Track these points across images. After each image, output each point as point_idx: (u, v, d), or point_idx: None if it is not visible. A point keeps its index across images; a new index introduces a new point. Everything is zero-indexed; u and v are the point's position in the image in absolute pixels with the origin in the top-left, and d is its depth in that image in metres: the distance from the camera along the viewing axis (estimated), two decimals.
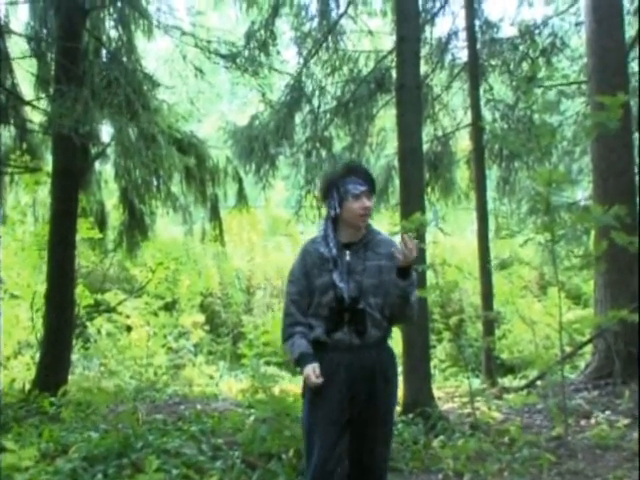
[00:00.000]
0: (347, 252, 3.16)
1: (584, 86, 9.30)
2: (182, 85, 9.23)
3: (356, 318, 3.10)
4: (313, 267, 3.15)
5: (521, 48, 9.34)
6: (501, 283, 11.11)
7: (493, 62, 9.44)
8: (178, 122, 7.92)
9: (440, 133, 9.80)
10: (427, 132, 9.60)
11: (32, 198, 8.53)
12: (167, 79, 8.87)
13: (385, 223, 10.46)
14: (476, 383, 8.71)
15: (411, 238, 2.99)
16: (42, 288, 7.42)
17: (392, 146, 9.39)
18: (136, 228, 8.06)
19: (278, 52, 8.84)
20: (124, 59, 7.30)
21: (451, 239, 12.49)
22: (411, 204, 6.17)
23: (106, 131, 8.23)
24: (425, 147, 9.03)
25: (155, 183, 7.92)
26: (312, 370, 3.01)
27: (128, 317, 9.93)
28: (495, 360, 8.98)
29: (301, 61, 9.11)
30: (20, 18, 8.48)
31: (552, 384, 6.36)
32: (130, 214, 8.01)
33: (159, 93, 7.74)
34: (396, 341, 9.96)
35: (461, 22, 9.25)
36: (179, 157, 7.64)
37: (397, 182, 8.61)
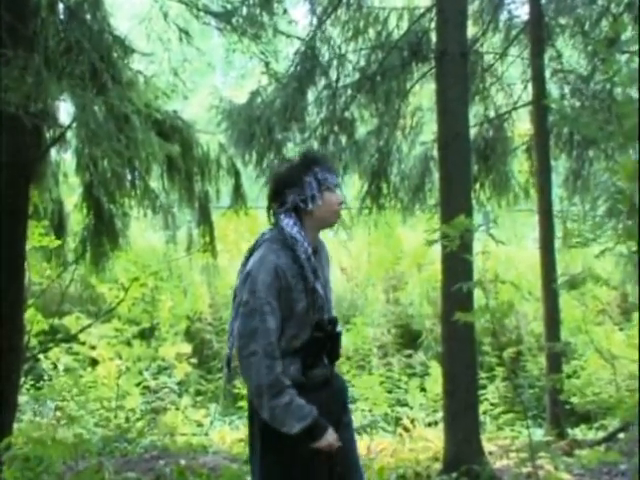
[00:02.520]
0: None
1: None
2: (163, 52, 9.21)
3: (335, 345, 3.24)
4: (289, 290, 3.14)
5: (599, 1, 9.27)
6: (570, 306, 11.02)
7: (562, 21, 9.36)
8: (158, 99, 7.89)
9: (492, 114, 9.75)
10: (476, 112, 9.55)
11: None
12: (144, 44, 8.86)
13: (420, 229, 10.42)
14: (539, 434, 8.66)
15: None
16: None
17: (430, 130, 9.34)
18: (104, 234, 8.04)
19: (285, 10, 8.79)
20: (87, 16, 7.28)
21: (506, 249, 12.41)
22: (454, 204, 6.17)
23: (65, 110, 8.23)
24: (473, 132, 8.96)
25: (129, 177, 7.90)
26: (336, 438, 3.11)
27: (93, 348, 9.91)
28: (563, 405, 8.89)
29: (314, 22, 9.10)
30: None
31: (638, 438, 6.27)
32: (96, 216, 7.99)
33: (133, 62, 7.71)
34: (435, 379, 10.05)
35: None
36: (159, 144, 7.59)
37: (436, 176, 8.59)
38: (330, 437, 3.08)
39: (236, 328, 3.13)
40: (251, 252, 3.29)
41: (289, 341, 3.14)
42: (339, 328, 3.22)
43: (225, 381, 3.51)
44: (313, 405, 3.06)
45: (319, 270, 3.22)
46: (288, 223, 3.19)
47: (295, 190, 3.21)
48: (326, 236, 13.20)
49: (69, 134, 7.70)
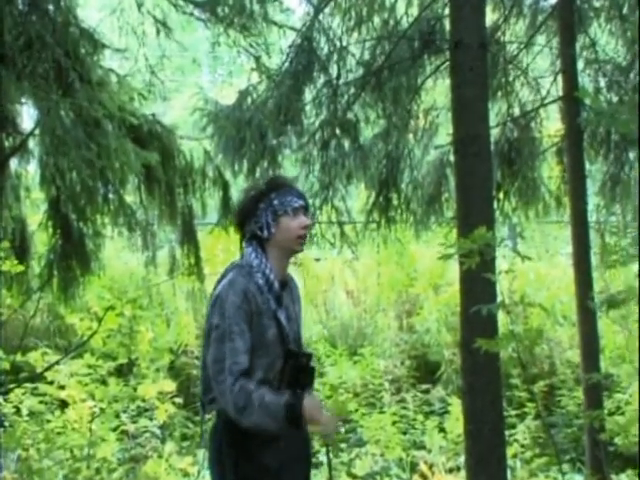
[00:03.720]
0: (282, 293, 3.55)
1: None
2: (139, 47, 9.23)
3: (308, 378, 3.50)
4: (259, 314, 3.42)
5: None
6: (611, 331, 10.99)
7: (597, 3, 9.37)
8: (134, 101, 7.91)
9: (517, 111, 9.72)
10: (498, 111, 9.55)
11: None
12: (116, 38, 8.87)
13: (435, 244, 10.35)
14: None
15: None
16: None
17: (446, 132, 9.30)
18: (73, 256, 8.04)
19: None
20: (50, 7, 7.29)
21: (534, 266, 12.41)
22: (474, 216, 6.18)
23: (27, 114, 8.23)
24: (495, 133, 8.96)
25: (101, 190, 7.89)
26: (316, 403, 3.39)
27: (62, 388, 9.86)
28: (605, 447, 8.82)
29: (311, 10, 9.09)
30: None
31: None
32: (64, 236, 7.98)
33: (104, 58, 7.75)
34: (455, 417, 10.00)
35: None
36: (136, 152, 7.61)
37: (453, 184, 8.57)
38: (311, 406, 3.33)
39: (210, 355, 3.38)
40: (220, 280, 3.62)
41: (265, 371, 3.39)
42: (313, 364, 3.47)
43: (202, 424, 3.72)
44: (287, 454, 3.45)
45: (285, 301, 3.52)
46: (247, 251, 3.55)
47: (252, 219, 3.52)
48: (329, 255, 13.20)
49: (31, 142, 7.71)
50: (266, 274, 3.45)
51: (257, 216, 3.50)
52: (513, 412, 10.54)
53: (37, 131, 7.54)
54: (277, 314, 3.44)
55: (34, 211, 8.58)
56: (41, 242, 8.38)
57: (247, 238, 3.58)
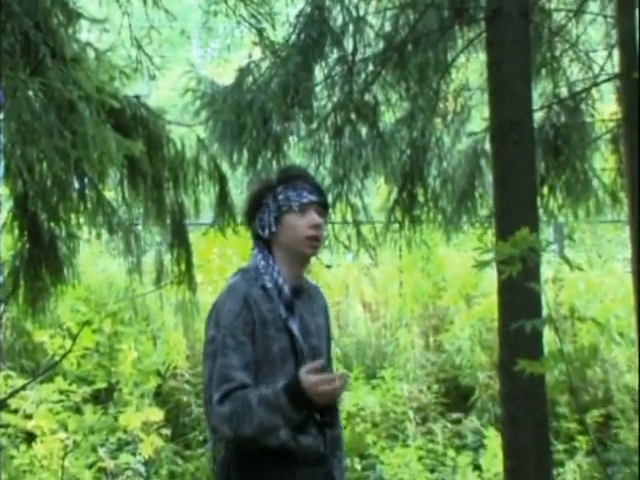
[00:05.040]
0: (295, 300, 3.53)
1: None
2: (121, 17, 9.25)
3: (328, 410, 3.45)
4: (264, 324, 3.40)
5: None
6: None
7: None
8: (115, 81, 7.93)
9: (565, 92, 9.74)
10: (542, 91, 9.57)
11: None
12: (94, 7, 8.89)
13: (469, 249, 10.35)
14: None
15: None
16: None
17: (481, 117, 9.37)
18: (43, 263, 8.05)
19: None
20: None
21: (585, 274, 12.38)
22: (514, 215, 6.20)
23: None
24: (538, 117, 8.97)
25: (76, 185, 7.94)
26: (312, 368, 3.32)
27: (29, 417, 9.92)
28: None
29: None
30: None
31: None
32: (32, 239, 7.99)
33: (81, 30, 7.76)
34: (493, 452, 9.98)
35: None
36: (117, 141, 7.62)
37: (489, 179, 8.58)
38: (309, 379, 3.26)
39: (204, 374, 3.44)
40: None
41: None
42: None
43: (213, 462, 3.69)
44: None
45: (300, 310, 3.52)
46: (254, 253, 3.59)
47: (257, 216, 3.57)
48: (343, 261, 13.25)
49: None
50: (274, 277, 3.45)
51: (260, 212, 3.54)
52: (561, 446, 10.51)
53: (1, 116, 7.56)
54: (288, 323, 3.44)
55: None
56: (5, 246, 8.41)
57: (254, 239, 3.61)
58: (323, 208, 3.60)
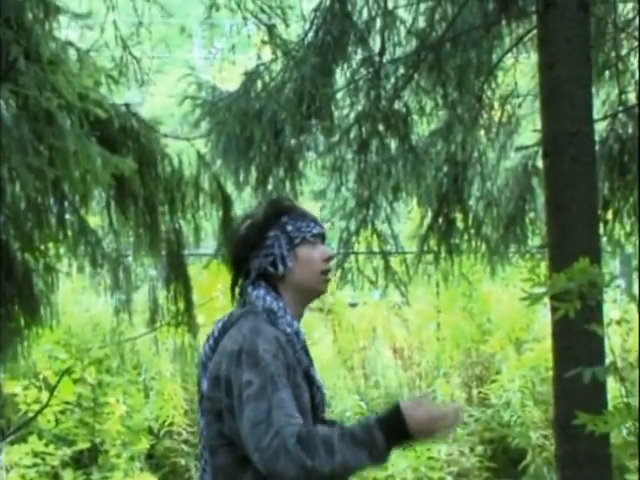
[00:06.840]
0: None
1: None
2: (107, 12, 9.33)
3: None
4: (294, 370, 3.45)
5: None
6: None
7: None
8: (100, 86, 8.02)
9: (632, 99, 9.70)
10: (605, 98, 9.61)
11: None
12: (76, 1, 9.01)
13: (517, 283, 10.37)
14: None
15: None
16: None
17: (532, 128, 9.42)
18: (16, 301, 8.14)
19: None
20: None
21: None
22: (572, 244, 6.23)
23: None
24: (600, 128, 9.00)
25: (55, 210, 8.03)
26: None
27: None
28: None
29: None
30: None
31: None
32: (3, 273, 8.08)
33: (60, 27, 7.86)
34: None
35: None
36: (103, 157, 7.70)
37: (542, 201, 8.64)
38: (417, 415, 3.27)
39: (245, 421, 3.33)
40: (222, 333, 3.59)
41: None
42: None
43: None
44: None
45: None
46: (258, 295, 3.54)
47: (260, 252, 3.55)
48: (369, 298, 13.32)
49: None
50: (289, 321, 3.49)
51: (266, 247, 3.54)
52: None
53: None
54: (310, 372, 3.51)
55: None
56: None
57: (253, 279, 3.57)
58: (325, 241, 3.66)
